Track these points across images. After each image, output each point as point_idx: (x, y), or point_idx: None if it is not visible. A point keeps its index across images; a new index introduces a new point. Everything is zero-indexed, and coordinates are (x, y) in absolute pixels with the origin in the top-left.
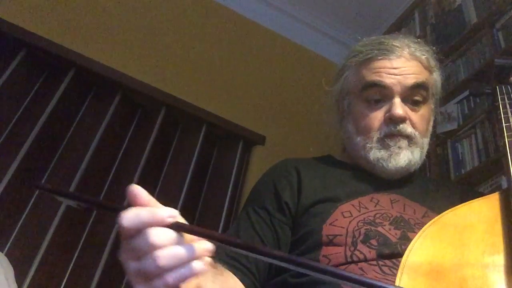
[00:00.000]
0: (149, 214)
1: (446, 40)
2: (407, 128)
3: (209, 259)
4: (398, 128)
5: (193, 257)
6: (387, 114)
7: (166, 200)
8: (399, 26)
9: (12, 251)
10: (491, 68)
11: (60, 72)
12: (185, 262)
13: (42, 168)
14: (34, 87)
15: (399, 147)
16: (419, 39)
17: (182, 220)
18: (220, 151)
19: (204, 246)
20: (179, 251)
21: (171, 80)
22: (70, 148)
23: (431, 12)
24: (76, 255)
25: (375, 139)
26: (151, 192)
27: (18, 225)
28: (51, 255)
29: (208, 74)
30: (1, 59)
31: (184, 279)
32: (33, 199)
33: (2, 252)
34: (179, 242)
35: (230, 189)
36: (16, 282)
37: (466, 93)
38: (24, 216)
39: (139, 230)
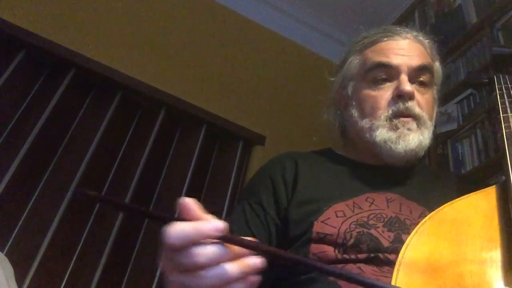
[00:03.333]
0: (194, 231)
1: (446, 40)
2: (415, 107)
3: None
4: (406, 105)
5: (240, 275)
6: (395, 91)
7: (166, 200)
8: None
9: (12, 251)
10: (490, 57)
11: (60, 72)
12: (231, 281)
13: (42, 168)
14: (34, 87)
15: (409, 129)
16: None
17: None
18: (220, 151)
19: (252, 262)
20: (226, 272)
21: (171, 80)
22: (70, 148)
23: (431, 12)
24: (76, 255)
25: (382, 117)
26: (151, 192)
27: (18, 225)
28: (51, 255)
29: (208, 74)
30: (1, 59)
31: None
32: (33, 199)
33: (2, 252)
34: (225, 257)
35: (230, 189)
36: (16, 282)
37: (466, 93)
38: (24, 216)
39: (184, 246)
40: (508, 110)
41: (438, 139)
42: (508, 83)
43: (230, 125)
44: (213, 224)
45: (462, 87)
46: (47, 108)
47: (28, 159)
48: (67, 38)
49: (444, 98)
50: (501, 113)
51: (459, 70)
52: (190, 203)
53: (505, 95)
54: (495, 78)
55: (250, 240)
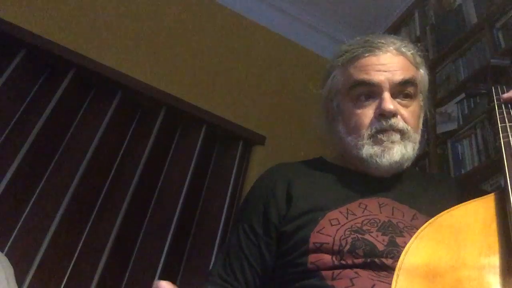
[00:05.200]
0: None
1: (446, 40)
2: (398, 122)
3: None
4: (389, 123)
5: None
6: (377, 110)
7: (166, 200)
8: (399, 26)
9: (12, 251)
10: (488, 68)
11: (60, 72)
12: None
13: (42, 168)
14: (34, 87)
15: (392, 142)
16: (403, 38)
17: None
18: (220, 151)
19: None
20: None
21: (171, 80)
22: (70, 148)
23: (431, 12)
24: (76, 255)
25: (366, 135)
26: (151, 192)
27: (18, 225)
28: (51, 255)
29: (208, 74)
30: (1, 59)
31: None
32: (33, 199)
33: (2, 252)
34: None
35: (230, 189)
36: (16, 282)
37: None
38: (24, 216)
39: None
40: (506, 120)
41: (438, 139)
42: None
43: (230, 125)
44: None
45: (462, 87)
46: (47, 108)
47: (28, 159)
48: (67, 38)
49: (444, 98)
50: (499, 123)
51: (459, 70)
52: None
53: (503, 105)
54: (493, 89)
55: None
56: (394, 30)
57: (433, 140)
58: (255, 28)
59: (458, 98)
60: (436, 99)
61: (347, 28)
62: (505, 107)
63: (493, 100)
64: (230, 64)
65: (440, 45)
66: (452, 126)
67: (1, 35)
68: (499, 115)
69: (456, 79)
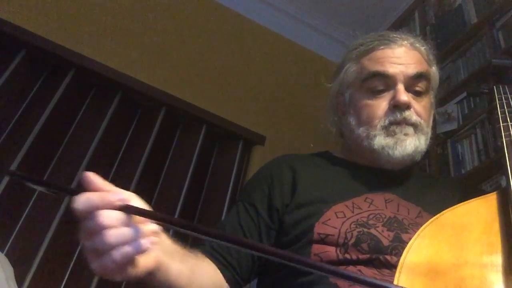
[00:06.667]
0: (98, 198)
1: (446, 40)
2: (412, 116)
3: (167, 240)
4: (403, 115)
5: (138, 236)
6: (392, 102)
7: (166, 200)
8: (399, 26)
9: (12, 251)
10: (490, 68)
11: (60, 72)
12: (130, 241)
13: (42, 168)
14: (34, 87)
15: (405, 134)
16: (416, 35)
17: (139, 203)
18: (220, 151)
19: (149, 227)
20: (125, 231)
21: (171, 80)
22: (70, 148)
23: (431, 12)
24: (76, 255)
25: (379, 126)
26: (151, 192)
27: (18, 225)
28: (51, 255)
29: (208, 74)
30: (1, 59)
31: (129, 255)
32: (33, 199)
33: (2, 252)
34: (127, 223)
35: (230, 189)
36: (16, 282)
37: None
38: (24, 216)
39: (91, 212)
40: (508, 119)
41: (438, 139)
42: (508, 93)
43: (230, 125)
44: (117, 193)
45: (462, 87)
46: (47, 108)
47: (28, 159)
48: (67, 38)
49: (444, 98)
50: (501, 122)
51: (459, 70)
52: (93, 177)
53: (504, 104)
54: (495, 89)
55: (151, 211)
56: (394, 30)
57: (433, 140)
58: (255, 28)
59: (458, 98)
60: (436, 99)
61: (347, 28)
62: (507, 106)
63: (495, 99)
64: (230, 64)
65: (440, 45)
66: (452, 126)
67: (1, 35)
68: (500, 114)
69: (456, 79)
